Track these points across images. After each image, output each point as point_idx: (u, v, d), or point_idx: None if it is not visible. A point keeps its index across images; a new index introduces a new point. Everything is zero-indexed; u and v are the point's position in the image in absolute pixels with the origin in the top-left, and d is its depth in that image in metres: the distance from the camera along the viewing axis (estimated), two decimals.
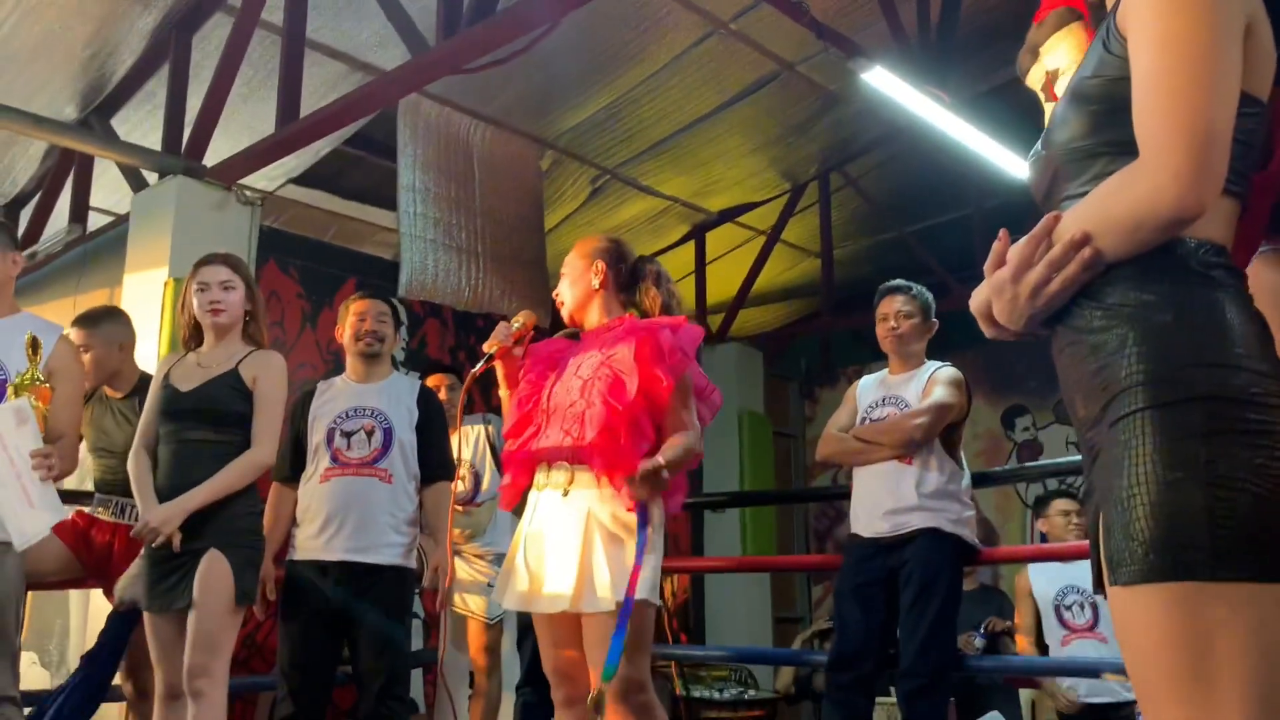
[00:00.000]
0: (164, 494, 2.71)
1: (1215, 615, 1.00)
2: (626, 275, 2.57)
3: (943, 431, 3.21)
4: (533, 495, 2.42)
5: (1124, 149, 1.12)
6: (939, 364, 3.33)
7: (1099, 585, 1.14)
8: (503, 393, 2.55)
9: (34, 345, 2.61)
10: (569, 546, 2.27)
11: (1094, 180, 1.17)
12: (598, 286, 2.53)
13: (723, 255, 7.32)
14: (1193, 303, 1.09)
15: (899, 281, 3.38)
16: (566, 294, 2.57)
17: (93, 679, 3.01)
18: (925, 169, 6.18)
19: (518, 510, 2.52)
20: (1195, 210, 1.06)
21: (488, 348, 2.48)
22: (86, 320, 3.31)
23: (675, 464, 2.27)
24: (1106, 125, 1.17)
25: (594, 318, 2.54)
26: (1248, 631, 1.00)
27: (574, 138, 5.70)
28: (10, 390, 2.58)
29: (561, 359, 2.50)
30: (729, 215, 6.95)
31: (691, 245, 7.19)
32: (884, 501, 3.20)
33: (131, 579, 2.79)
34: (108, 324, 3.33)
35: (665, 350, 2.34)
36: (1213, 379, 1.05)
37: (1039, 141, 1.29)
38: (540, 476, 2.39)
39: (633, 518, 2.26)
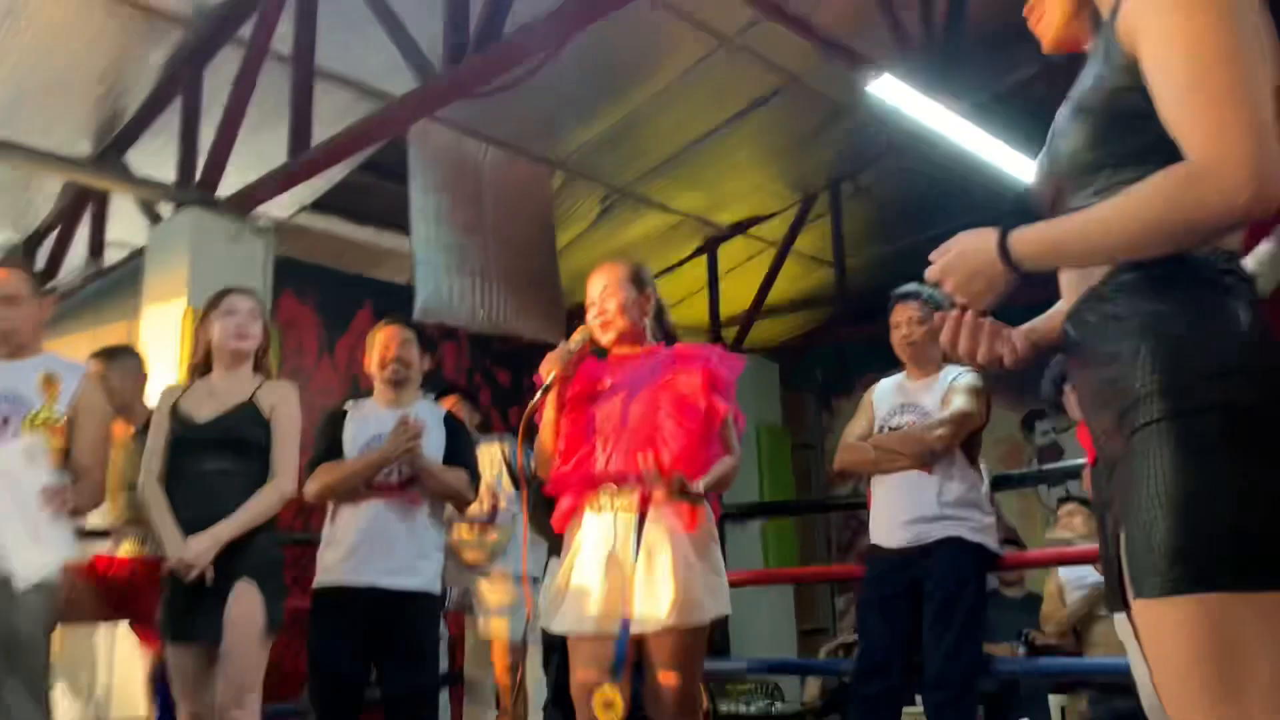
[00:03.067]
0: (189, 525, 2.70)
1: (1240, 625, 0.99)
2: (659, 303, 2.66)
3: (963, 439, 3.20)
4: (588, 517, 2.43)
5: (1126, 160, 1.12)
6: (959, 369, 3.28)
7: (1116, 600, 1.13)
8: (549, 414, 2.52)
9: (48, 383, 2.63)
10: (655, 566, 2.31)
11: (1099, 192, 1.16)
12: (649, 314, 2.61)
13: (735, 268, 7.32)
14: (1206, 311, 1.08)
15: (910, 287, 3.34)
16: (620, 319, 2.55)
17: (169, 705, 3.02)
18: (936, 175, 6.16)
19: (541, 533, 2.54)
20: (1271, 205, 1.04)
21: (549, 372, 2.47)
22: (105, 353, 3.41)
23: (720, 481, 2.44)
24: (1109, 136, 1.17)
25: (637, 344, 2.59)
26: (1273, 640, 0.99)
27: (583, 157, 5.72)
28: (25, 427, 2.59)
29: (596, 379, 2.52)
30: (740, 228, 6.95)
31: (704, 259, 7.20)
32: (905, 511, 3.17)
33: None
34: (125, 358, 3.42)
35: (720, 378, 2.46)
36: (1229, 388, 1.04)
37: (1043, 151, 1.29)
38: (604, 499, 2.41)
39: (713, 529, 2.44)
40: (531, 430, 2.68)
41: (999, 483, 3.54)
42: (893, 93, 4.41)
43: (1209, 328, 1.07)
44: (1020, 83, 5.54)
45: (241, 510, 2.71)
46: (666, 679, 2.34)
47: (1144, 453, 1.06)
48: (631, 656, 2.34)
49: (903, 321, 3.31)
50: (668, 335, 2.66)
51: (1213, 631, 1.00)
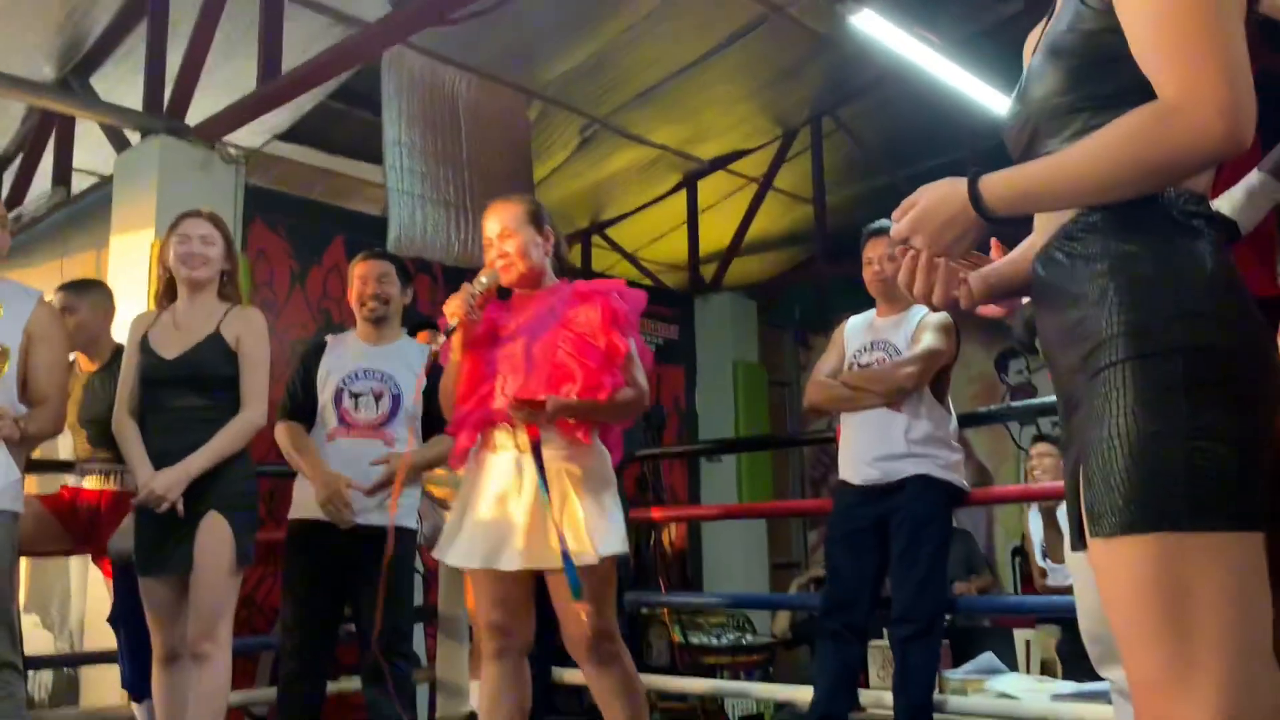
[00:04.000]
0: (161, 460, 2.69)
1: (1194, 565, 1.01)
2: (558, 240, 2.64)
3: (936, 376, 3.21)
4: (486, 456, 2.44)
5: (1104, 103, 1.11)
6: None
7: (1079, 538, 1.14)
8: (455, 356, 2.49)
9: None
10: (550, 500, 2.33)
11: (1074, 136, 1.15)
12: (549, 253, 2.59)
13: (715, 204, 7.27)
14: (1173, 253, 1.08)
15: (883, 223, 3.30)
16: (521, 262, 2.52)
17: (132, 637, 3.04)
18: (918, 112, 6.11)
19: None
20: (1241, 145, 1.04)
21: (454, 316, 2.43)
22: (72, 287, 3.36)
23: (615, 409, 2.43)
24: (1085, 79, 1.15)
25: (539, 282, 2.57)
26: (1225, 580, 1.01)
27: (561, 87, 5.62)
28: None
29: (498, 321, 2.51)
30: (720, 163, 6.89)
31: (683, 194, 7.14)
32: (873, 448, 3.19)
33: (124, 533, 2.80)
34: (93, 291, 3.38)
35: (620, 315, 2.45)
36: (1193, 330, 1.05)
37: (1014, 95, 1.27)
38: (501, 436, 2.42)
39: (606, 470, 2.44)
40: (437, 373, 2.67)
41: (968, 420, 3.55)
42: (875, 26, 4.34)
43: (1175, 269, 1.07)
44: (1004, 20, 5.47)
45: (211, 443, 2.69)
46: (568, 616, 2.38)
47: (1105, 393, 1.07)
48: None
49: (875, 258, 3.28)
50: (567, 272, 2.66)
51: (1165, 570, 1.02)
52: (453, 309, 2.43)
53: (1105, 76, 1.11)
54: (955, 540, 5.00)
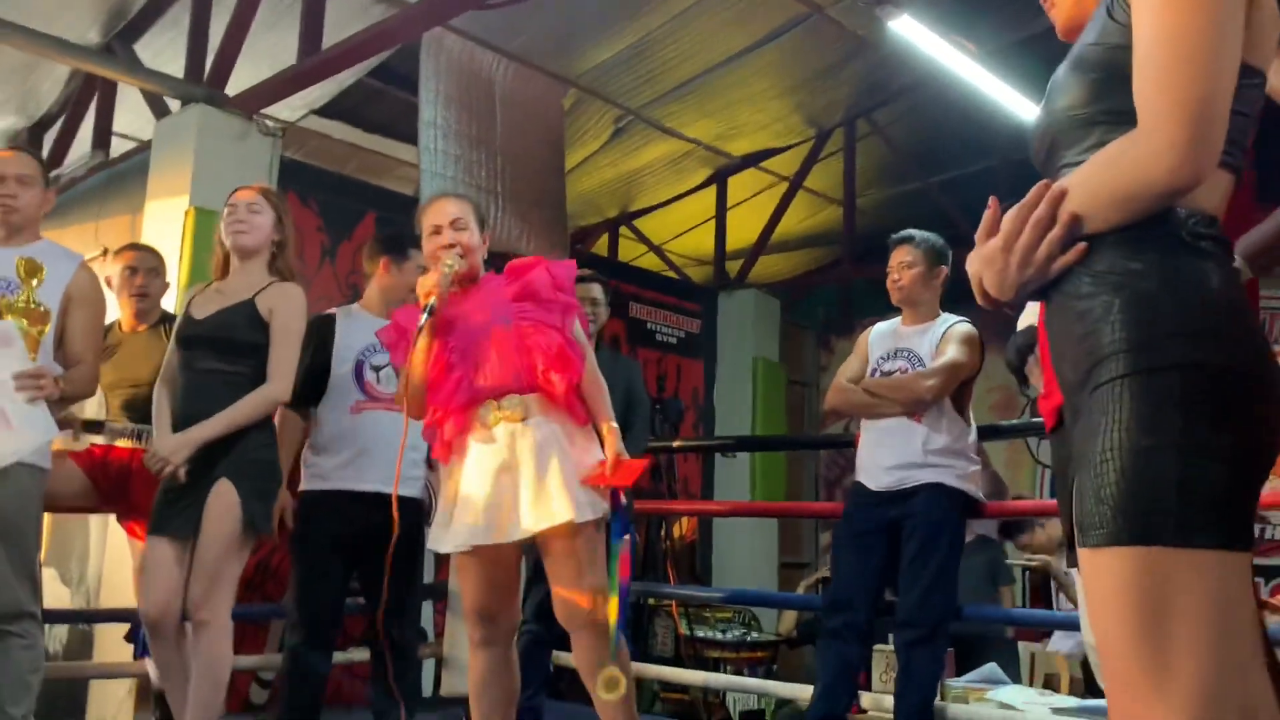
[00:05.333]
0: (178, 423, 2.72)
1: (1178, 580, 1.02)
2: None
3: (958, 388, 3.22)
4: (468, 440, 2.44)
5: (1122, 118, 1.11)
6: (955, 319, 3.28)
7: (1071, 551, 1.16)
8: (424, 342, 2.47)
9: (29, 268, 2.63)
10: (546, 466, 2.37)
11: (1091, 149, 1.16)
12: (483, 255, 2.64)
13: (744, 201, 7.28)
14: (1179, 272, 1.09)
15: (905, 232, 3.33)
16: (471, 258, 2.56)
17: None
18: (952, 119, 6.10)
19: None
20: (1190, 182, 1.06)
21: (430, 295, 2.43)
22: (151, 250, 3.51)
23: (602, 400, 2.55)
24: (1106, 93, 1.16)
25: (475, 277, 2.60)
26: (1208, 598, 1.02)
27: (597, 77, 5.64)
28: (3, 311, 2.59)
29: (445, 316, 2.51)
30: (752, 160, 6.89)
31: (713, 189, 7.15)
32: (890, 456, 3.21)
33: None
34: (156, 258, 3.49)
35: (560, 276, 2.54)
36: (1193, 348, 1.06)
37: (1041, 105, 1.28)
38: (487, 414, 2.42)
39: (595, 446, 2.50)
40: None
41: (988, 433, 3.56)
42: (914, 32, 4.34)
43: (1179, 288, 1.08)
44: (1042, 31, 5.44)
45: (225, 412, 2.71)
46: (568, 577, 2.39)
47: (1104, 408, 1.08)
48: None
49: (895, 265, 3.30)
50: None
51: (1148, 584, 1.03)
52: (429, 288, 2.44)
53: (1124, 91, 1.12)
54: (981, 550, 5.00)
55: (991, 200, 1.21)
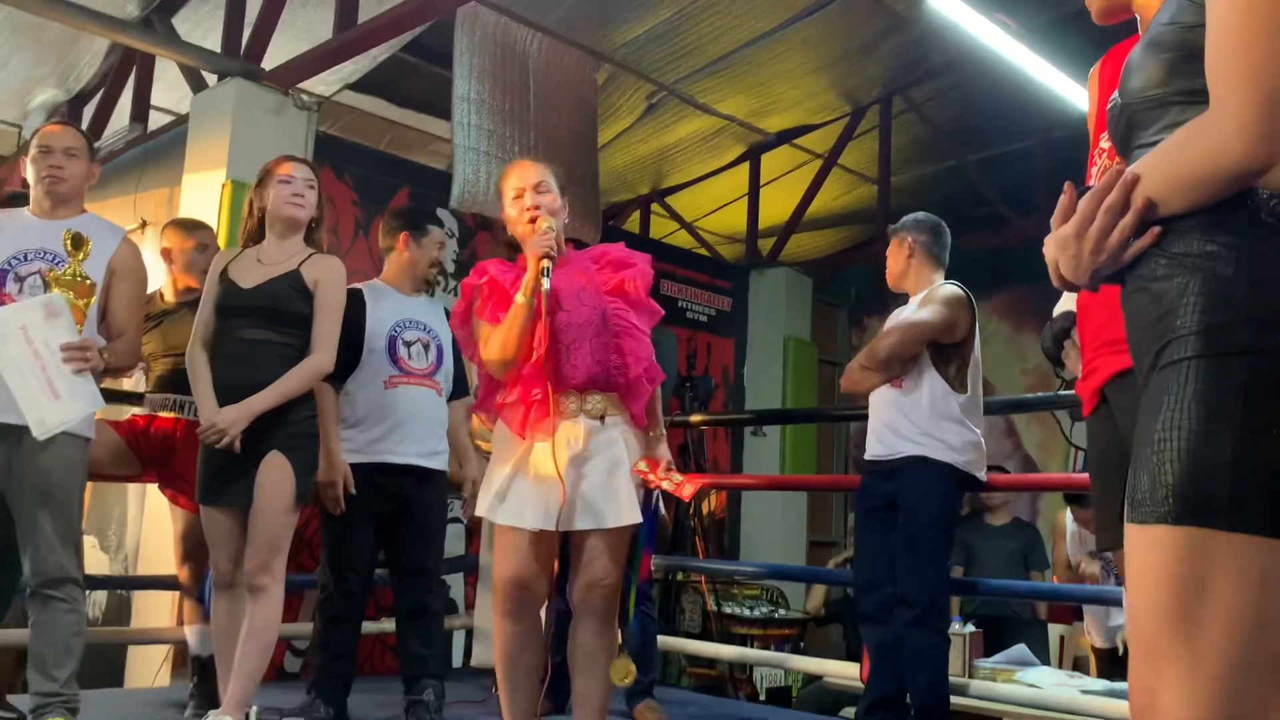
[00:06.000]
0: (226, 392, 2.74)
1: (1221, 564, 1.02)
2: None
3: (936, 354, 3.17)
4: (544, 420, 2.41)
5: (1197, 98, 1.11)
6: (944, 283, 3.26)
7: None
8: (524, 299, 2.37)
9: (75, 241, 2.67)
10: (614, 469, 2.40)
11: (1165, 130, 1.15)
12: (567, 219, 2.59)
13: (778, 178, 7.23)
14: (1256, 256, 1.08)
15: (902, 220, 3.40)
16: (551, 219, 2.47)
17: None
18: (990, 97, 6.02)
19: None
20: (1262, 164, 1.04)
21: (543, 254, 2.37)
22: (199, 225, 3.53)
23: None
24: (1180, 73, 1.15)
25: (563, 247, 2.54)
26: (1247, 583, 1.02)
27: (631, 52, 5.62)
28: (50, 284, 2.63)
29: (517, 280, 2.44)
30: (786, 137, 6.84)
31: (746, 166, 7.11)
32: (877, 422, 3.25)
33: None
34: (208, 232, 3.52)
35: (649, 281, 2.55)
36: (1264, 334, 1.05)
37: (1116, 90, 1.27)
38: (569, 404, 2.41)
39: (644, 438, 2.53)
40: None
41: (1014, 406, 3.52)
42: (953, 8, 4.28)
43: (1257, 272, 1.07)
44: (1081, 8, 5.34)
45: (278, 383, 2.74)
46: (602, 573, 2.42)
47: (1168, 387, 1.08)
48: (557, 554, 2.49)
49: (887, 254, 3.38)
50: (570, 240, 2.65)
51: (1190, 563, 1.03)
52: (541, 251, 2.37)
53: (1199, 71, 1.11)
54: (1016, 533, 4.98)
55: (1067, 185, 1.20)
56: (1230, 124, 1.04)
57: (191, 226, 3.49)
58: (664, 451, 2.53)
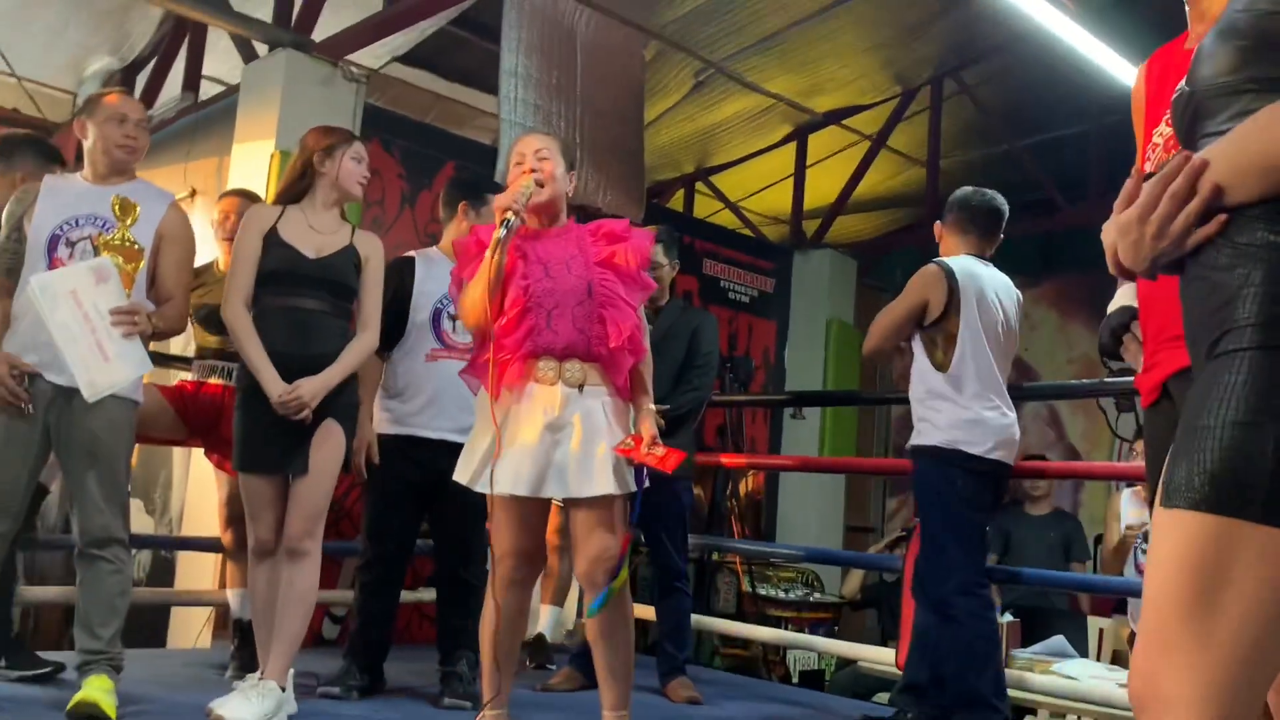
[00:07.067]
0: (289, 360, 2.71)
1: (1246, 555, 1.01)
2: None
3: (923, 335, 3.14)
4: (529, 386, 2.41)
5: (1270, 85, 1.08)
6: (930, 264, 3.22)
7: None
8: (496, 259, 2.38)
9: (124, 206, 2.70)
10: (593, 437, 2.38)
11: (1236, 118, 1.12)
12: (570, 194, 2.59)
13: (824, 159, 7.16)
14: None
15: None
16: (554, 185, 2.51)
17: None
18: (1044, 80, 5.90)
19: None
20: None
21: (508, 214, 2.39)
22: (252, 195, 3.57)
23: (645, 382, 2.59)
24: (1254, 60, 1.12)
25: (560, 216, 2.57)
26: (1270, 578, 1.01)
27: (680, 28, 5.57)
28: (99, 248, 2.66)
29: (521, 249, 2.46)
30: (835, 117, 6.76)
31: (792, 146, 7.05)
32: None
33: None
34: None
35: (646, 257, 2.55)
36: None
37: (1184, 79, 1.24)
38: (548, 370, 2.41)
39: (628, 411, 2.52)
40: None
41: (1038, 394, 3.48)
42: None
43: None
44: None
45: (342, 359, 2.78)
46: (599, 548, 2.40)
47: (1218, 377, 1.06)
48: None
49: None
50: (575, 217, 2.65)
51: (1214, 552, 1.02)
52: (507, 203, 2.42)
53: (1273, 60, 1.08)
54: (1056, 524, 4.91)
55: (1135, 169, 1.17)
56: None
57: (249, 196, 3.53)
58: (649, 427, 2.48)
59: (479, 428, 2.48)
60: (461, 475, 2.47)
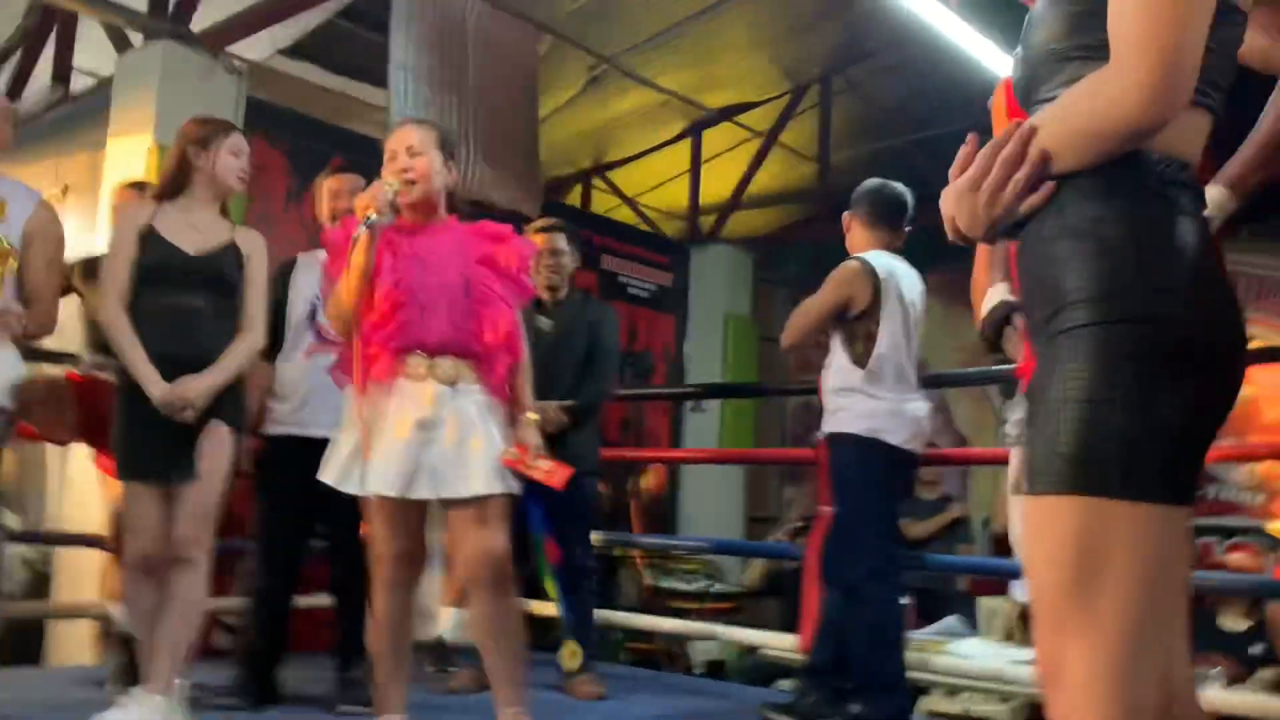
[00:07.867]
0: (171, 361, 2.60)
1: (1117, 531, 1.03)
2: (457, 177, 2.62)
3: (842, 330, 3.17)
4: (399, 383, 2.37)
5: (1098, 53, 1.09)
6: (850, 259, 3.24)
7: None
8: (361, 259, 2.32)
9: None
10: (468, 436, 2.34)
11: (1065, 84, 1.14)
12: (450, 186, 2.54)
13: (719, 155, 7.22)
14: (1145, 222, 1.07)
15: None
16: (426, 182, 2.45)
17: None
18: (931, 76, 6.04)
19: None
20: (1156, 121, 1.04)
21: (370, 211, 2.33)
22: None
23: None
24: (1084, 27, 1.13)
25: (437, 211, 2.52)
26: (1143, 551, 1.04)
27: (573, 23, 5.55)
28: None
29: (391, 241, 2.41)
30: (728, 114, 6.83)
31: (688, 143, 7.09)
32: None
33: None
34: None
35: (527, 260, 2.54)
36: (1153, 302, 1.05)
37: (1020, 41, 1.26)
38: (418, 366, 2.37)
39: (506, 411, 2.48)
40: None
41: (930, 383, 3.55)
42: None
43: (1144, 239, 1.07)
44: None
45: (227, 360, 2.67)
46: (475, 548, 2.35)
47: (1062, 357, 1.07)
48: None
49: None
50: (457, 211, 2.60)
51: (1086, 532, 1.04)
52: (366, 203, 2.35)
53: (1101, 26, 1.09)
54: (945, 508, 5.04)
55: (970, 136, 1.17)
56: (1128, 80, 1.03)
57: (145, 188, 3.37)
58: (532, 435, 2.45)
59: (346, 424, 2.42)
60: (328, 474, 2.40)
